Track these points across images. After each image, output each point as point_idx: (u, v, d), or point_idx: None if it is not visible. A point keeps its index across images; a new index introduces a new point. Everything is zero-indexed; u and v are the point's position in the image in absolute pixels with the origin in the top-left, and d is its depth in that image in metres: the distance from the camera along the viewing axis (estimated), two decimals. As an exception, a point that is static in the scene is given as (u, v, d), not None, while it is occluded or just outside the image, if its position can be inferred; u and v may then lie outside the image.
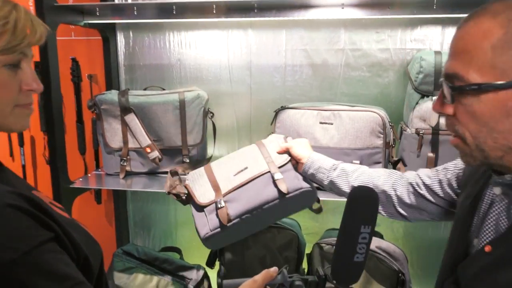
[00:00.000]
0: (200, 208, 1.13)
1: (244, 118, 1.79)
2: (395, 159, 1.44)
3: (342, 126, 1.38)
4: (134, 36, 1.80)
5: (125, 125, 1.57)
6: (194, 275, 1.58)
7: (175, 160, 1.62)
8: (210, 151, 1.74)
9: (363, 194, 0.72)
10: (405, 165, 1.44)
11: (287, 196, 1.07)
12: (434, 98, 1.35)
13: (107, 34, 1.74)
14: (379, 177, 1.01)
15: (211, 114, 1.65)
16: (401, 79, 1.64)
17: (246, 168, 1.15)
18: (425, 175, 0.95)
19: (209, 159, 1.71)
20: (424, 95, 1.39)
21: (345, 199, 0.74)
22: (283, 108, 1.48)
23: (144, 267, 1.59)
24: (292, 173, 1.10)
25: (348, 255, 0.69)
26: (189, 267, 1.61)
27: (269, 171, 1.11)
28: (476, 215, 0.73)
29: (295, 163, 1.12)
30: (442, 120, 1.35)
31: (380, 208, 0.98)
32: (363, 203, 0.70)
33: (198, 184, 1.18)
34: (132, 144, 1.59)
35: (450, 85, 0.64)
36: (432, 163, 1.37)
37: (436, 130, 1.36)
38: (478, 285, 0.67)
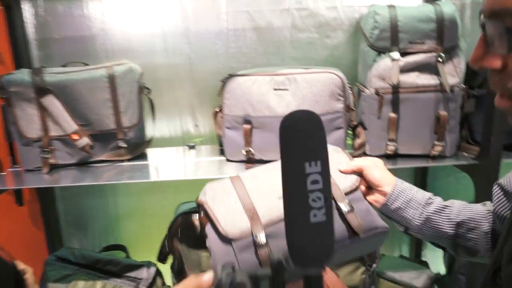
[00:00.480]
0: (226, 240, 0.77)
1: (185, 92, 1.59)
2: (355, 123, 1.35)
3: (299, 91, 1.25)
4: (45, 4, 1.50)
5: (42, 110, 1.31)
6: (144, 274, 1.39)
7: (110, 146, 1.40)
8: (149, 132, 1.53)
9: (297, 117, 0.46)
10: (365, 128, 1.35)
11: (359, 237, 0.77)
12: (392, 54, 1.26)
13: (10, 1, 1.44)
14: (480, 211, 0.81)
15: (148, 90, 1.44)
16: (351, 39, 1.55)
17: None
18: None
19: (149, 142, 1.51)
20: (381, 52, 1.29)
21: None
22: (231, 76, 1.31)
23: (84, 272, 1.37)
24: (364, 204, 0.81)
25: (300, 215, 0.44)
26: (138, 266, 1.41)
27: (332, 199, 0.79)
28: None
29: (365, 190, 0.85)
30: (403, 78, 1.27)
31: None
32: (300, 130, 0.45)
33: (223, 203, 0.81)
34: (54, 131, 1.34)
35: (504, 25, 0.45)
36: (394, 124, 1.29)
37: (396, 88, 1.27)
38: None
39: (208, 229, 0.81)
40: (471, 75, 1.33)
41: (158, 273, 1.44)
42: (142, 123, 1.45)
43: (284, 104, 1.26)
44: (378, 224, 0.79)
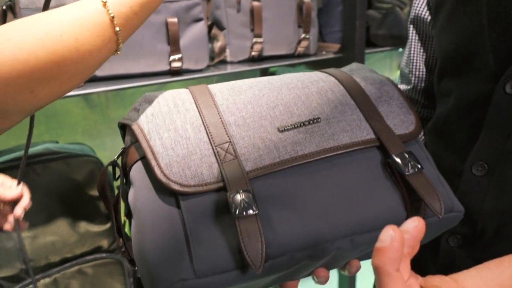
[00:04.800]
0: (166, 192, 0.40)
1: None
2: (209, 22, 1.07)
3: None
4: None
5: None
6: None
7: None
8: None
9: None
10: (221, 28, 1.09)
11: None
12: None
13: None
14: None
15: None
16: None
17: (317, 119, 0.44)
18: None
19: None
20: None
21: None
22: None
23: None
24: (430, 164, 0.47)
25: None
26: None
27: (384, 149, 0.44)
28: None
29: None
30: (261, -44, 1.06)
31: None
32: None
33: (171, 129, 0.42)
34: None
35: None
36: (259, 15, 1.08)
37: (255, -30, 1.06)
38: None
39: (136, 172, 0.43)
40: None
41: None
42: None
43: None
44: (454, 203, 0.45)
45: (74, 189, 0.93)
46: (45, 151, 0.93)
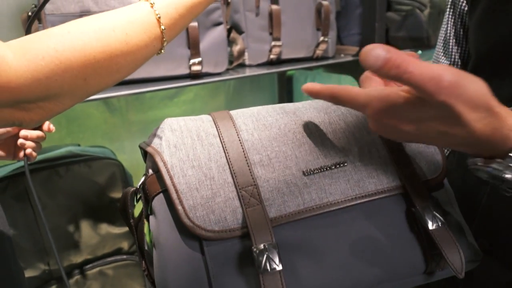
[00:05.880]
0: (189, 236, 0.39)
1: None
2: (228, 26, 1.08)
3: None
4: None
5: None
6: None
7: None
8: None
9: None
10: (240, 32, 1.10)
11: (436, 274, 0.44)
12: None
13: None
14: None
15: None
16: None
17: (343, 163, 0.44)
18: None
19: None
20: None
21: None
22: None
23: None
24: (454, 212, 0.46)
25: None
26: None
27: (408, 197, 0.43)
28: None
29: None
30: (280, -41, 1.06)
31: None
32: None
33: (195, 166, 0.41)
34: None
35: None
36: (278, 18, 1.08)
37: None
38: None
39: (158, 204, 0.42)
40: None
41: None
42: None
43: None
44: (476, 252, 0.44)
45: (96, 191, 0.95)
46: (68, 154, 0.95)
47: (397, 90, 0.35)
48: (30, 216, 0.88)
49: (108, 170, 0.96)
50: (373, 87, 0.39)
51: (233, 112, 0.46)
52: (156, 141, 0.43)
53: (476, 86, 0.31)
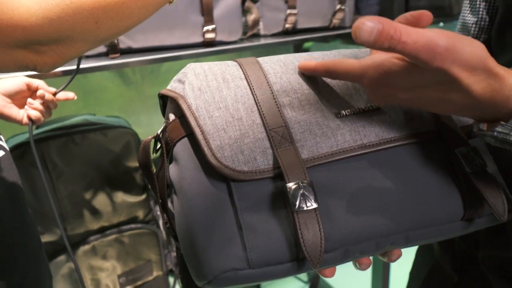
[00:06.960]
0: (216, 176, 0.37)
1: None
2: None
3: None
4: None
5: None
6: None
7: None
8: None
9: None
10: (255, 0, 1.08)
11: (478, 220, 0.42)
12: None
13: None
14: None
15: None
16: None
17: (377, 107, 0.42)
18: None
19: None
20: None
21: None
22: None
23: None
24: (491, 162, 0.44)
25: None
26: None
27: (446, 142, 0.42)
28: None
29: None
30: None
31: None
32: None
33: (221, 107, 0.39)
34: None
35: None
36: (294, -14, 1.05)
37: None
38: None
39: (181, 150, 0.40)
40: None
41: None
42: None
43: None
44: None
45: (111, 159, 0.96)
46: (83, 122, 0.96)
47: (391, 57, 0.33)
48: (47, 182, 0.90)
49: (123, 139, 0.97)
50: (368, 56, 0.38)
51: (259, 58, 0.44)
52: (178, 86, 0.41)
53: (472, 49, 0.30)
